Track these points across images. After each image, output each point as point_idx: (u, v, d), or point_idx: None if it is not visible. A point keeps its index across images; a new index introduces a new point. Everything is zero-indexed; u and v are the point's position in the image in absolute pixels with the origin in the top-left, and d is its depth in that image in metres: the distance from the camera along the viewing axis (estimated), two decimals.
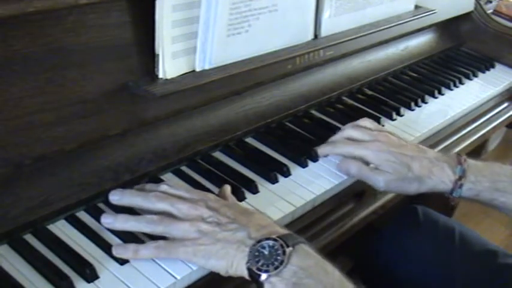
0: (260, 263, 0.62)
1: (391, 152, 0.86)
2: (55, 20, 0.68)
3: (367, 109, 1.12)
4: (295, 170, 0.90)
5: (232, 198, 0.77)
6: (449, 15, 1.40)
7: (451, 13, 1.41)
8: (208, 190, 0.81)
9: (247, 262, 0.63)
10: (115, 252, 0.67)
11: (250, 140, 0.96)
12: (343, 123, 1.04)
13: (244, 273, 0.64)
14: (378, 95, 1.19)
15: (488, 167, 0.88)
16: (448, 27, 1.47)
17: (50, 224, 0.71)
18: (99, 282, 0.65)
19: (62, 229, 0.71)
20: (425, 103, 1.20)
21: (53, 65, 0.69)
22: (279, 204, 0.81)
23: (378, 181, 0.85)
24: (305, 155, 0.92)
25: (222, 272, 0.65)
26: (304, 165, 0.91)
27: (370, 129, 0.92)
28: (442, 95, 1.26)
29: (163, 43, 0.77)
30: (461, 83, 1.33)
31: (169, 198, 0.70)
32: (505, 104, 1.33)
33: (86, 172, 0.75)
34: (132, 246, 0.67)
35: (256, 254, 0.63)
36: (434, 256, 1.00)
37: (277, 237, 0.64)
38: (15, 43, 0.65)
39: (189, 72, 0.83)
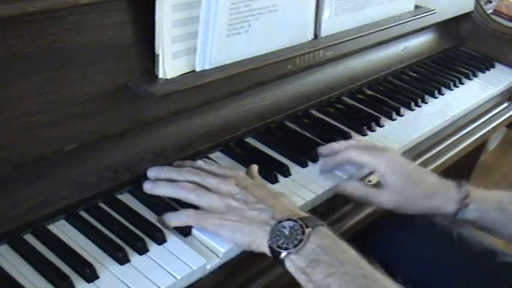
0: (280, 242, 0.67)
1: (403, 164, 0.87)
2: (55, 20, 0.68)
3: (367, 109, 1.12)
4: (295, 170, 0.90)
5: (259, 178, 0.80)
6: (449, 15, 1.40)
7: (451, 13, 1.41)
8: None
9: (269, 240, 0.68)
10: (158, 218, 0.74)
11: (250, 140, 0.96)
12: (343, 123, 1.05)
13: (266, 251, 0.68)
14: (378, 95, 1.19)
15: (491, 192, 0.89)
16: (448, 27, 1.47)
17: (50, 224, 0.71)
18: (99, 282, 0.65)
19: (62, 229, 0.71)
20: (425, 103, 1.21)
21: (53, 65, 0.69)
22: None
23: (384, 204, 0.86)
24: (305, 155, 0.92)
25: (245, 247, 0.71)
26: (304, 165, 0.91)
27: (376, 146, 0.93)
28: (442, 95, 1.26)
29: (163, 43, 0.77)
30: (461, 83, 1.33)
31: (201, 173, 0.76)
32: (505, 104, 1.33)
33: (86, 172, 0.75)
34: (167, 215, 0.74)
35: (278, 233, 0.67)
36: (432, 256, 1.00)
37: (298, 218, 0.68)
38: (15, 43, 0.65)
39: (189, 72, 0.83)
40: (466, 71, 1.37)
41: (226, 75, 0.85)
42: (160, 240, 0.71)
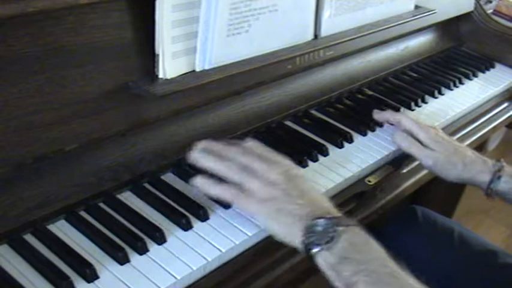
0: (313, 238, 0.68)
1: (440, 137, 0.96)
2: (55, 20, 0.68)
3: (367, 109, 1.12)
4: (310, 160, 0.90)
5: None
6: (449, 15, 1.40)
7: (451, 13, 1.41)
8: None
9: (303, 236, 0.69)
10: (195, 181, 0.75)
11: None
12: (343, 123, 1.05)
13: (298, 246, 0.69)
14: (378, 95, 1.19)
15: None
16: (448, 27, 1.47)
17: (50, 224, 0.71)
18: (99, 282, 0.65)
19: (62, 229, 0.71)
20: (425, 103, 1.21)
21: (53, 65, 0.70)
22: None
23: (427, 158, 0.94)
24: (305, 155, 0.92)
25: (278, 238, 0.71)
26: (304, 165, 0.91)
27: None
28: (442, 95, 1.26)
29: (163, 43, 0.77)
30: (461, 83, 1.33)
31: (251, 156, 0.76)
32: (505, 104, 1.33)
33: (86, 172, 0.75)
34: (210, 182, 0.74)
35: (311, 229, 0.68)
36: (433, 256, 1.00)
37: (332, 217, 0.70)
38: (15, 43, 0.65)
39: (189, 72, 0.83)
40: (466, 71, 1.37)
41: (226, 75, 0.85)
42: (160, 240, 0.71)
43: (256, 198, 0.72)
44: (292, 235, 0.70)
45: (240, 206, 0.73)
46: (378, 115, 1.05)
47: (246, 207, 0.73)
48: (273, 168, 0.74)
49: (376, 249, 0.69)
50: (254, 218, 0.73)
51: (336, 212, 0.72)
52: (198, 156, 0.76)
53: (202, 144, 0.78)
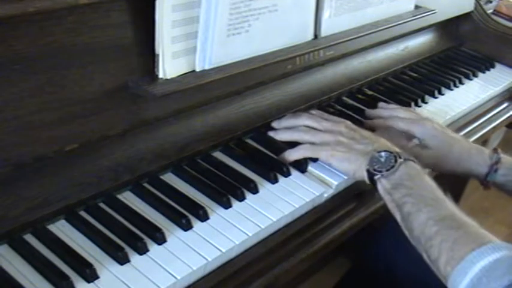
0: (376, 166, 0.81)
1: (437, 130, 0.97)
2: (55, 20, 0.68)
3: (367, 109, 1.12)
4: (295, 172, 0.89)
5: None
6: (449, 15, 1.40)
7: (451, 13, 1.41)
8: (211, 189, 0.81)
9: (367, 165, 0.82)
10: (280, 156, 0.90)
11: (250, 140, 0.96)
12: None
13: (365, 176, 0.83)
14: (378, 95, 1.19)
15: None
16: (448, 27, 1.47)
17: (50, 224, 0.71)
18: (99, 282, 0.65)
19: (62, 229, 0.71)
20: (425, 103, 1.21)
21: (53, 65, 0.70)
22: (278, 205, 0.81)
23: (424, 157, 0.93)
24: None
25: (350, 174, 0.86)
26: (304, 166, 0.91)
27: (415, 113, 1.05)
28: (442, 95, 1.26)
29: (163, 43, 0.77)
30: (461, 83, 1.33)
31: (316, 118, 0.93)
32: (505, 104, 1.33)
33: (86, 172, 0.75)
34: (286, 152, 0.90)
35: (375, 160, 0.82)
36: None
37: (393, 151, 0.82)
38: (15, 43, 0.65)
39: (189, 72, 0.83)
40: (466, 71, 1.37)
41: (226, 75, 0.85)
42: (161, 240, 0.71)
43: (327, 146, 0.87)
44: (360, 169, 0.83)
45: (316, 155, 0.88)
46: (371, 114, 1.06)
47: (321, 155, 0.87)
48: (336, 123, 0.91)
49: (426, 180, 0.79)
50: (329, 163, 0.87)
51: (398, 149, 0.83)
52: (274, 133, 0.94)
53: (275, 122, 0.96)
